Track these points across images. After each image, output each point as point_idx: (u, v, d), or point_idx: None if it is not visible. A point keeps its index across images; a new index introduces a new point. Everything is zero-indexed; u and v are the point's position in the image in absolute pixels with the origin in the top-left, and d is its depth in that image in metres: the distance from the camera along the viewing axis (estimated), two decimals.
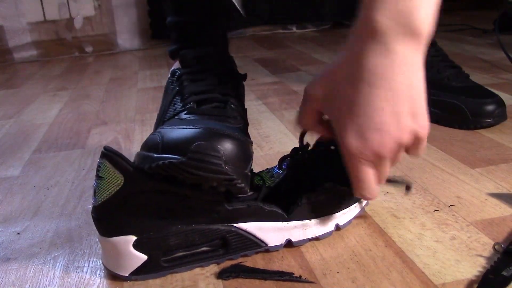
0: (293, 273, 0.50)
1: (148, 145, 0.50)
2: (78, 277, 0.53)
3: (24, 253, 0.59)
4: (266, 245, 0.54)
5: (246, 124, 0.58)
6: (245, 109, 0.61)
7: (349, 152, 0.48)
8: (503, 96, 1.00)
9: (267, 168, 0.62)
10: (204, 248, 0.52)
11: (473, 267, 0.49)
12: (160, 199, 0.49)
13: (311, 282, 0.49)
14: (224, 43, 0.72)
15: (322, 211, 0.56)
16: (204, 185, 0.48)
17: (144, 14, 2.07)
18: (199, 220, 0.51)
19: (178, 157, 0.45)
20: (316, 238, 0.56)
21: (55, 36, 2.02)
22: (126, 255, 0.50)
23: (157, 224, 0.50)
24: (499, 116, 0.86)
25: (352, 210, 0.58)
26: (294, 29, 2.22)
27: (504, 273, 0.46)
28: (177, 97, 0.59)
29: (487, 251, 0.52)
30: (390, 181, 0.59)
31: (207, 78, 0.59)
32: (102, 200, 0.49)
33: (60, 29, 2.02)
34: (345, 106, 0.47)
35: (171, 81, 0.62)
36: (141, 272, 0.51)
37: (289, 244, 0.55)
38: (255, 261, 0.53)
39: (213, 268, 0.53)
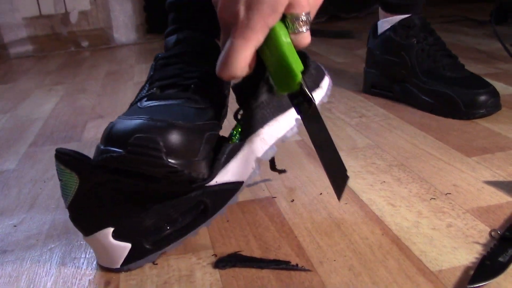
0: (290, 262, 0.50)
1: (102, 135, 0.49)
2: (75, 268, 0.53)
3: (20, 245, 0.59)
4: (242, 182, 0.52)
5: (217, 104, 0.55)
6: (222, 92, 0.58)
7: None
8: (499, 85, 1.00)
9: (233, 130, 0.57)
10: (186, 220, 0.51)
11: (470, 254, 0.49)
12: (121, 187, 0.48)
13: (307, 270, 0.49)
14: (216, 29, 0.71)
15: (271, 113, 0.53)
16: (151, 175, 0.47)
17: (140, 8, 2.06)
18: (168, 196, 0.50)
19: (119, 150, 0.45)
20: (283, 139, 0.53)
21: (50, 31, 2.01)
22: (110, 247, 0.50)
23: (128, 209, 0.49)
24: (492, 107, 0.85)
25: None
26: None
27: (501, 259, 0.47)
28: (147, 83, 0.58)
29: (484, 238, 0.52)
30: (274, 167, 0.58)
31: (178, 63, 0.58)
32: (69, 201, 0.48)
33: (55, 24, 2.01)
34: None
35: (151, 66, 0.61)
36: (131, 260, 0.51)
37: (259, 162, 0.53)
38: (252, 250, 0.53)
39: (210, 258, 0.52)
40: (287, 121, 0.54)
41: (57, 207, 0.67)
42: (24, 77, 1.61)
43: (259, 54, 0.47)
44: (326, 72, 0.60)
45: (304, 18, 0.46)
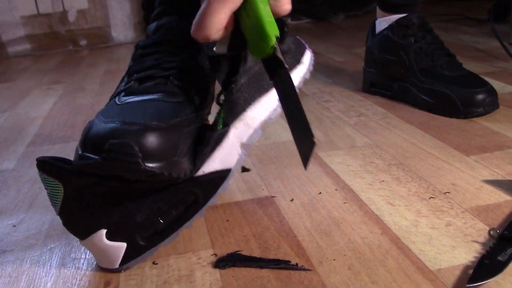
0: (290, 261, 0.50)
1: (81, 137, 0.49)
2: (75, 269, 0.53)
3: (20, 245, 0.59)
4: (229, 169, 0.52)
5: (196, 95, 0.54)
6: (204, 79, 0.56)
7: None
8: (497, 84, 1.01)
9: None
10: (177, 211, 0.51)
11: (469, 253, 0.49)
12: (105, 189, 0.48)
13: (307, 269, 0.49)
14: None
15: (253, 95, 0.52)
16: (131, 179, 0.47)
17: (138, 7, 2.06)
18: (155, 190, 0.49)
19: (95, 156, 0.44)
20: (267, 121, 0.52)
21: (48, 30, 2.01)
22: (106, 249, 0.50)
23: (117, 208, 0.49)
24: (490, 105, 0.86)
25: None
26: (289, 21, 2.21)
27: (500, 258, 0.47)
28: (126, 75, 0.57)
29: (482, 237, 0.52)
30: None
31: (155, 53, 0.56)
32: (59, 208, 0.48)
33: (53, 23, 2.01)
34: None
35: (132, 56, 0.60)
36: (128, 259, 0.51)
37: (245, 147, 0.52)
38: (251, 250, 0.53)
39: (210, 257, 0.53)
40: (270, 103, 0.53)
41: None
42: (23, 76, 1.61)
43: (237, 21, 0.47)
44: (307, 46, 0.58)
45: None
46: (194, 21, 0.46)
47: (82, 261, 0.54)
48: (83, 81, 1.45)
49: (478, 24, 1.75)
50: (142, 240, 0.50)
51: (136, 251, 0.51)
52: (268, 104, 0.54)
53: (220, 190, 0.52)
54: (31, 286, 0.51)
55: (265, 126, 0.54)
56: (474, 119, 0.85)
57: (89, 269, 0.53)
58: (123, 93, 0.54)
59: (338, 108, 0.98)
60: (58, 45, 2.04)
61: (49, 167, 0.47)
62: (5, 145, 0.95)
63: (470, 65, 1.17)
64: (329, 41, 1.71)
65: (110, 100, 0.56)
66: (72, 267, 0.54)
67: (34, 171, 0.80)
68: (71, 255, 0.56)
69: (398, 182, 0.65)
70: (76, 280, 0.51)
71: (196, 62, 0.56)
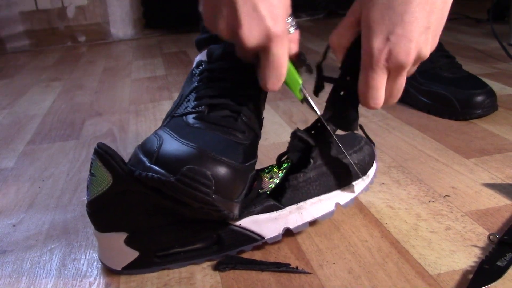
0: (290, 264, 0.51)
1: (146, 148, 0.49)
2: (75, 269, 0.53)
3: (20, 246, 0.59)
4: (263, 238, 0.53)
5: (256, 137, 0.55)
6: (262, 118, 0.58)
7: (372, 55, 0.48)
8: (497, 85, 1.01)
9: (268, 167, 0.59)
10: (198, 245, 0.52)
11: (468, 257, 0.50)
12: (150, 199, 0.48)
13: (307, 273, 0.50)
14: None
15: (317, 191, 0.54)
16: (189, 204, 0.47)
17: (137, 3, 2.05)
18: (191, 219, 0.50)
19: (168, 174, 0.44)
20: (316, 221, 0.54)
21: (47, 26, 2.00)
22: (119, 250, 0.50)
23: (148, 221, 0.49)
24: (489, 107, 0.86)
25: (353, 188, 0.56)
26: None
27: (499, 263, 0.47)
28: (193, 93, 0.56)
29: (482, 241, 0.52)
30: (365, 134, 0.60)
31: (226, 78, 0.56)
32: (94, 196, 0.49)
33: (52, 19, 2.00)
34: (380, 11, 0.47)
35: (194, 73, 0.59)
36: (133, 267, 0.51)
37: (287, 232, 0.53)
38: (252, 252, 0.53)
39: (210, 260, 0.53)
40: (328, 205, 0.55)
41: (56, 206, 0.67)
42: (21, 72, 1.60)
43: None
44: (376, 157, 0.61)
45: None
46: (263, 76, 0.50)
47: (82, 261, 0.55)
48: (81, 79, 1.45)
49: (477, 24, 1.75)
50: (156, 257, 0.51)
51: (145, 264, 0.51)
52: (326, 205, 0.55)
53: (242, 248, 0.53)
54: (32, 287, 0.51)
55: (315, 223, 0.55)
56: (474, 121, 0.85)
57: (90, 270, 0.53)
58: (193, 115, 0.53)
59: None
60: (57, 41, 2.03)
61: (109, 159, 0.47)
62: (4, 143, 0.95)
63: (469, 66, 1.17)
64: (327, 40, 1.71)
65: (172, 114, 0.56)
66: (72, 268, 0.54)
67: (34, 170, 0.80)
68: (71, 256, 0.56)
69: (398, 184, 0.65)
70: (77, 281, 0.51)
71: (259, 95, 0.57)
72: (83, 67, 1.60)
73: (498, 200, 0.60)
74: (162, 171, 0.45)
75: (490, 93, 0.86)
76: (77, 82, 1.41)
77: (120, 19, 2.07)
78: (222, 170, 0.45)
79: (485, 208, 0.58)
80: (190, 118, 0.53)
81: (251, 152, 0.53)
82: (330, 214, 0.55)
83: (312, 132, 0.56)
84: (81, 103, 1.18)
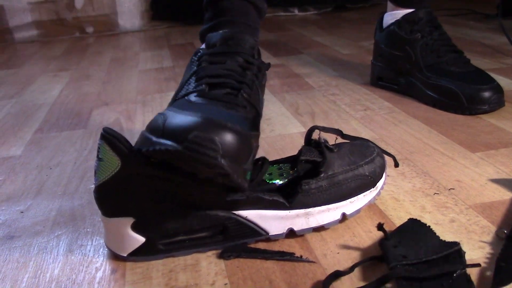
0: (294, 253, 0.51)
1: (151, 126, 0.49)
2: (82, 255, 0.54)
3: (27, 231, 0.59)
4: (267, 233, 0.53)
5: (258, 114, 0.56)
6: (262, 100, 0.59)
7: None
8: (505, 81, 1.00)
9: (278, 163, 0.59)
10: (203, 234, 0.52)
11: (472, 250, 0.50)
12: (158, 183, 0.49)
13: (311, 261, 0.50)
14: (255, 30, 0.71)
15: (326, 199, 0.55)
16: (199, 175, 0.48)
17: None
18: (197, 205, 0.51)
19: (175, 144, 0.45)
20: (321, 227, 0.55)
21: (55, 16, 2.01)
22: (125, 236, 0.51)
23: (155, 207, 0.50)
24: (495, 103, 0.85)
25: (361, 199, 0.57)
26: (296, 12, 2.20)
27: None
28: (193, 77, 0.58)
29: (486, 233, 0.52)
30: (384, 151, 0.60)
31: (226, 62, 0.57)
32: (102, 181, 0.49)
33: (60, 9, 2.01)
34: None
35: (193, 60, 0.61)
36: (139, 253, 0.51)
37: (291, 233, 0.54)
38: (256, 241, 0.54)
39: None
40: (335, 214, 0.55)
41: (63, 193, 0.68)
42: (29, 62, 1.61)
43: None
44: (386, 169, 0.61)
45: None
46: None
47: (88, 247, 0.55)
48: (89, 69, 1.45)
49: (486, 19, 1.74)
50: (161, 244, 0.52)
51: (150, 250, 0.52)
52: (333, 214, 0.55)
53: (245, 240, 0.53)
54: (39, 272, 0.52)
55: (320, 229, 0.56)
56: (480, 115, 0.85)
57: (96, 256, 0.54)
58: (194, 94, 0.54)
59: (344, 102, 0.98)
60: (65, 31, 2.04)
61: (115, 142, 0.48)
62: (12, 131, 0.95)
63: (477, 61, 1.17)
64: (335, 34, 1.71)
65: (174, 98, 0.57)
66: (79, 253, 0.54)
67: (41, 158, 0.81)
68: (78, 242, 0.56)
69: (403, 177, 0.66)
70: (83, 266, 0.52)
71: (260, 81, 0.58)
72: (90, 58, 1.61)
73: (503, 193, 0.60)
74: (169, 142, 0.45)
75: (498, 89, 0.86)
76: (85, 72, 1.41)
77: (128, 11, 2.07)
78: (228, 135, 0.45)
79: (490, 201, 0.58)
80: (192, 97, 0.54)
81: (254, 125, 0.53)
82: (335, 223, 0.55)
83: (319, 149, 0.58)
84: (88, 93, 1.19)
